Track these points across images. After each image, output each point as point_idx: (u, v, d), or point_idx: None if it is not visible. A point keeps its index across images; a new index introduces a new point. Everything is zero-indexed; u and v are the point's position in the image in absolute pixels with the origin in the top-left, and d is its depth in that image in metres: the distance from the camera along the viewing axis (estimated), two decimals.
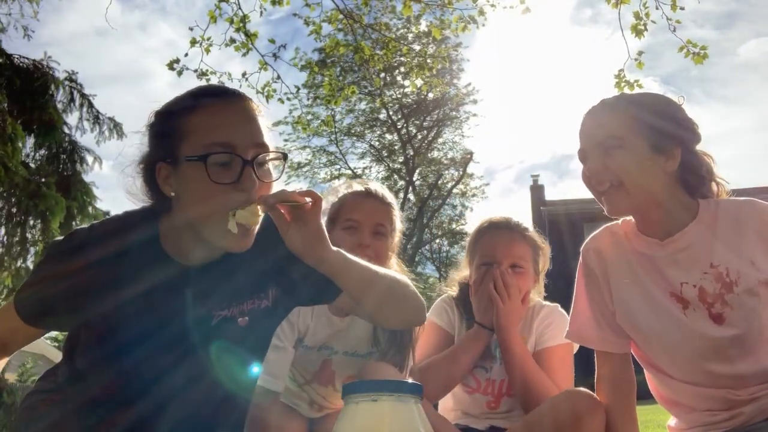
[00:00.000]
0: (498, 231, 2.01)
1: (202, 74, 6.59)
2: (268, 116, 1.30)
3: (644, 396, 1.76)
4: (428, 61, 7.94)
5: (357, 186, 1.98)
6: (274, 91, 6.98)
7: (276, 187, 1.26)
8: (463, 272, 2.12)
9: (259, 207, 1.21)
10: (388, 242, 1.90)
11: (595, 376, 1.67)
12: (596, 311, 1.64)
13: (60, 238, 1.35)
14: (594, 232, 1.71)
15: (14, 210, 7.74)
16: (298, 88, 8.21)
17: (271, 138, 1.28)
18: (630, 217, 1.64)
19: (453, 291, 2.12)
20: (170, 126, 1.25)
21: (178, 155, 1.22)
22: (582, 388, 1.64)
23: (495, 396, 1.98)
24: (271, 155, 1.26)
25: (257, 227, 1.24)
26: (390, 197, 1.98)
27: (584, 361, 1.98)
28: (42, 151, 8.21)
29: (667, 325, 1.53)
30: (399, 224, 1.98)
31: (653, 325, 1.55)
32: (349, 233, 1.85)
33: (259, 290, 1.38)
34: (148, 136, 1.31)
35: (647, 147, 1.51)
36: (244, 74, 6.85)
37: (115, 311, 1.26)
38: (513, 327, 1.89)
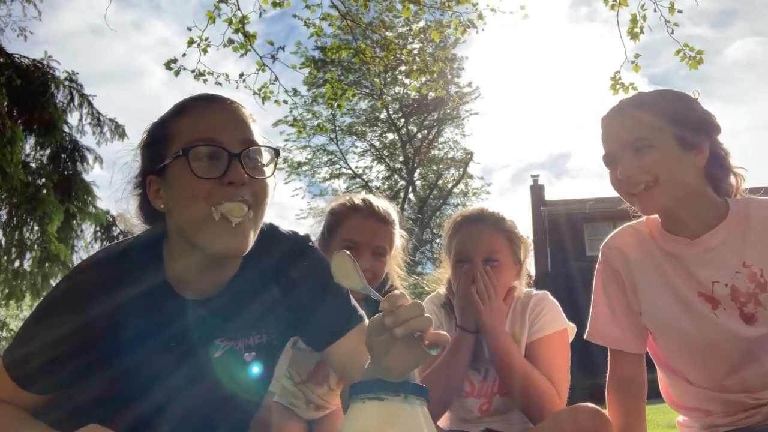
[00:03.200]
0: (469, 226, 1.93)
1: (199, 74, 6.58)
2: (265, 117, 1.28)
3: (648, 396, 1.76)
4: (429, 64, 7.89)
5: (359, 201, 1.92)
6: (272, 92, 6.98)
7: (271, 185, 1.20)
8: (448, 269, 2.04)
9: (244, 205, 1.13)
10: (385, 260, 1.89)
11: (607, 375, 1.66)
12: (614, 310, 1.63)
13: (55, 293, 1.25)
14: (615, 230, 1.69)
15: (12, 213, 7.76)
16: (295, 90, 8.19)
17: (264, 142, 1.22)
18: (655, 216, 1.62)
19: (442, 289, 2.05)
20: (157, 134, 1.22)
21: (164, 161, 1.17)
22: (588, 404, 1.58)
23: (488, 397, 1.91)
24: (262, 150, 1.20)
25: (251, 233, 1.17)
26: (393, 214, 1.93)
27: (585, 361, 1.96)
28: (42, 151, 8.23)
29: (696, 324, 1.51)
30: (399, 242, 1.94)
31: (681, 324, 1.53)
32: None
33: (263, 325, 1.34)
34: (140, 153, 1.26)
35: (676, 143, 1.49)
36: (241, 75, 6.85)
37: (121, 355, 1.21)
38: (500, 328, 1.80)
